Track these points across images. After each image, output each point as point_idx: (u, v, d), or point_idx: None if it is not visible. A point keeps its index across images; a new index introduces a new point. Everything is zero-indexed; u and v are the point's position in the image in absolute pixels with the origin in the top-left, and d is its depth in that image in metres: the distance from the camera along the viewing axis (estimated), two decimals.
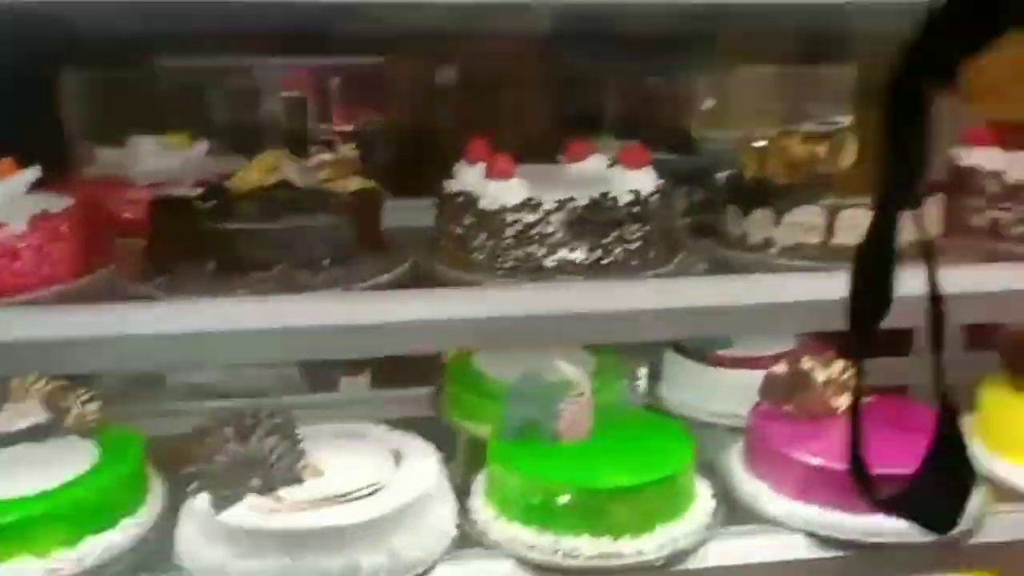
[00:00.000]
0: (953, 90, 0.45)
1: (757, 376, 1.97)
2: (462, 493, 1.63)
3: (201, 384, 2.38)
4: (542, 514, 1.50)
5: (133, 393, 2.15)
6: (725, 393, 2.01)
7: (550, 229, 1.44)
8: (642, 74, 2.71)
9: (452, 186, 1.54)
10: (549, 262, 1.45)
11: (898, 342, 2.57)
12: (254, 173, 1.48)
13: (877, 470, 1.51)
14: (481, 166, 1.56)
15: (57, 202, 1.46)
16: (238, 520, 1.37)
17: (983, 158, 1.79)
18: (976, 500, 1.61)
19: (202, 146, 1.98)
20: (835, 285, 1.46)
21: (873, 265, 0.51)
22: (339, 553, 1.38)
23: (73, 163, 1.93)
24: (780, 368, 1.81)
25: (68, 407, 1.67)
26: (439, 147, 2.29)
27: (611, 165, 1.68)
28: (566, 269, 1.45)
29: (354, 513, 1.40)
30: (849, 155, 1.72)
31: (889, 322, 0.94)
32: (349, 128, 3.08)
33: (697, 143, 2.67)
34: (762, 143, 1.77)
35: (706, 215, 1.90)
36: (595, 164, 1.68)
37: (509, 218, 1.44)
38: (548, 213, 1.44)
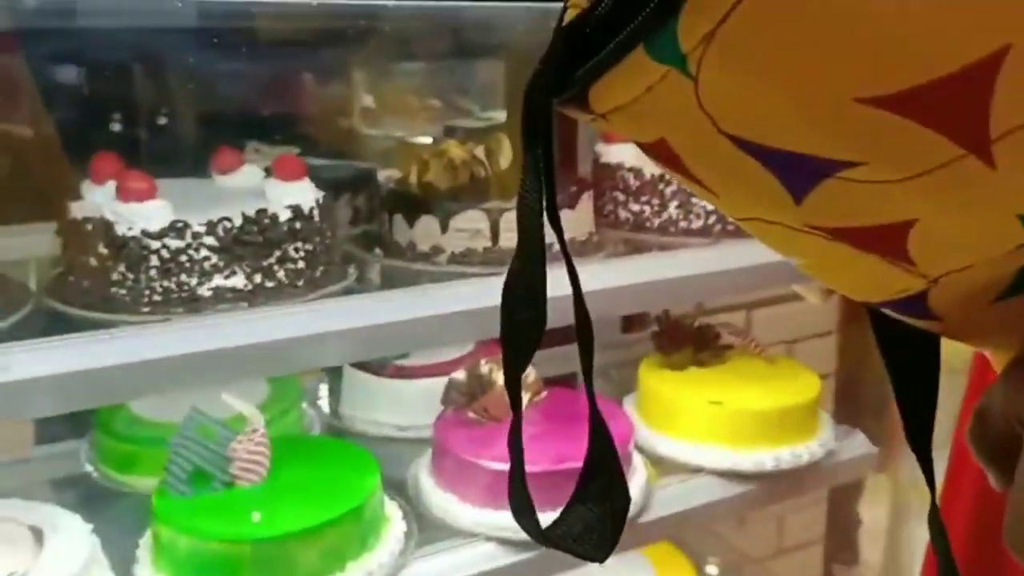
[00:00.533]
0: (581, 106, 0.41)
1: (439, 384, 1.96)
2: (126, 564, 1.42)
3: None
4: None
5: None
6: (408, 405, 1.98)
7: (202, 254, 1.28)
8: (289, 73, 2.58)
9: (78, 211, 1.32)
10: (204, 291, 1.29)
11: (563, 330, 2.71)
12: None
13: (566, 465, 1.56)
14: (112, 185, 1.35)
15: None
16: None
17: (622, 154, 1.91)
18: (641, 477, 1.72)
19: None
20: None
21: (525, 284, 0.46)
22: None
23: None
24: (460, 374, 1.80)
25: None
26: (55, 161, 1.98)
27: (268, 176, 1.55)
28: (225, 297, 1.30)
29: None
30: (506, 156, 1.74)
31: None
32: None
33: (353, 145, 2.60)
34: (422, 144, 1.74)
35: (371, 225, 1.84)
36: (249, 176, 1.54)
37: (152, 245, 1.26)
38: (197, 236, 1.27)
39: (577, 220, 1.62)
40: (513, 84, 2.59)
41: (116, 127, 1.96)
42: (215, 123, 2.08)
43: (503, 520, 1.57)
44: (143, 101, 2.15)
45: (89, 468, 1.78)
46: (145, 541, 1.49)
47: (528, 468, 1.47)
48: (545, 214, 0.48)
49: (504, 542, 1.56)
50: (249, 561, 1.34)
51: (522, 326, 0.51)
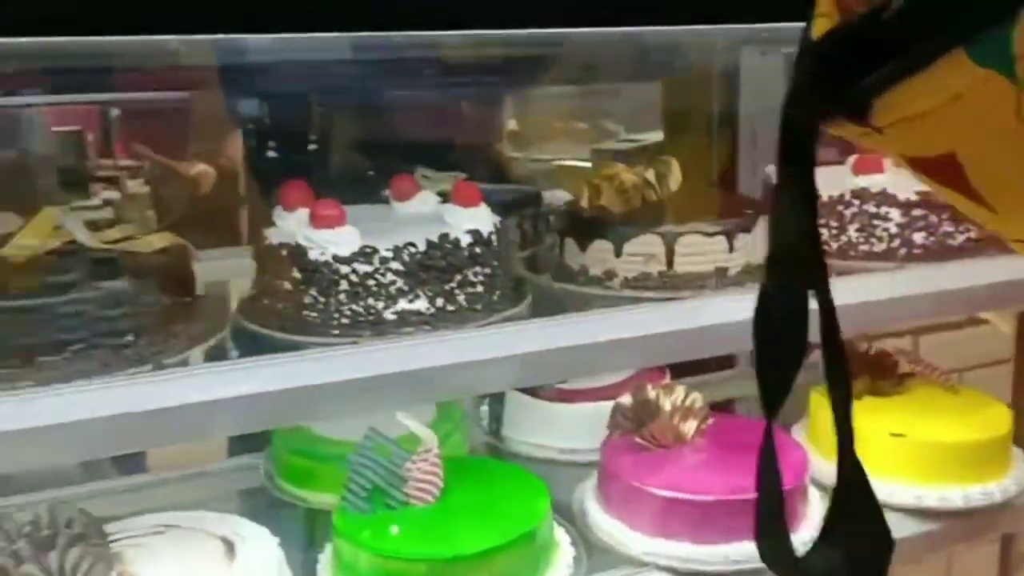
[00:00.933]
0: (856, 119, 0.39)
1: (599, 408, 1.95)
2: None
3: None
4: None
5: None
6: (569, 428, 1.97)
7: (388, 279, 1.32)
8: (450, 100, 2.64)
9: (273, 236, 1.39)
10: (389, 315, 1.33)
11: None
12: (32, 237, 1.25)
13: (739, 496, 1.51)
14: (303, 212, 1.41)
15: None
16: None
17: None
18: (817, 511, 1.64)
19: None
20: (682, 314, 1.46)
21: (785, 307, 0.44)
22: None
23: None
24: (626, 399, 1.78)
25: None
26: (247, 189, 2.10)
27: (443, 201, 1.58)
28: (409, 321, 1.33)
29: None
30: (676, 179, 1.72)
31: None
32: (135, 164, 2.79)
33: (507, 168, 2.63)
34: (580, 166, 1.74)
35: (537, 248, 1.85)
36: (425, 202, 1.58)
37: (342, 270, 1.31)
38: (384, 261, 1.31)
39: (754, 244, 1.57)
40: (671, 105, 2.56)
41: (296, 156, 2.06)
42: (384, 151, 2.15)
43: (674, 549, 1.53)
44: (318, 131, 2.25)
45: (267, 482, 1.86)
46: (326, 556, 1.54)
47: (699, 497, 1.43)
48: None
49: (675, 572, 1.52)
50: None
51: (782, 349, 0.49)
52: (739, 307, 1.37)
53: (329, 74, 2.09)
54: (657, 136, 2.80)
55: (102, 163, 2.81)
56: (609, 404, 1.92)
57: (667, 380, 1.92)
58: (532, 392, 2.00)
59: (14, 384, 1.13)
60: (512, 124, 3.03)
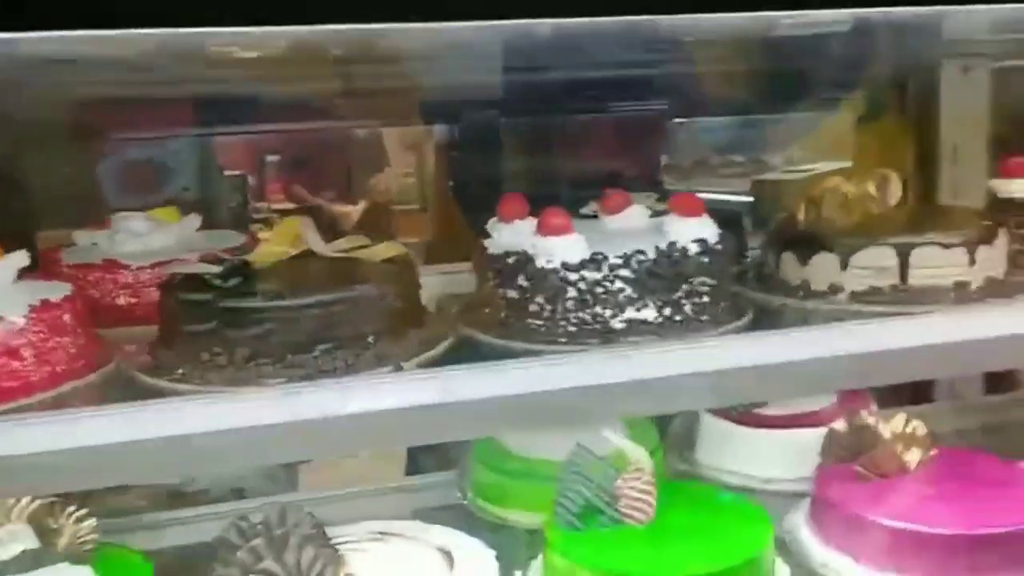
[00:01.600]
0: None
1: (800, 436, 1.85)
2: None
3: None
4: None
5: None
6: (768, 457, 1.87)
7: (616, 286, 1.30)
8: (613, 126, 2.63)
9: (498, 245, 1.39)
10: (617, 323, 1.31)
11: (920, 388, 2.50)
12: (276, 244, 1.30)
13: (982, 531, 1.39)
14: (522, 223, 1.41)
15: (51, 290, 1.26)
16: None
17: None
18: None
19: (194, 220, 1.79)
20: (920, 330, 1.36)
21: None
22: None
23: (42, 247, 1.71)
24: (840, 426, 1.68)
25: (59, 528, 1.44)
26: (442, 209, 2.14)
27: (653, 215, 1.55)
28: (636, 330, 1.30)
29: None
30: (895, 193, 1.63)
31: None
32: (286, 205, 2.94)
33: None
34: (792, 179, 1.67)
35: (743, 262, 1.78)
36: (635, 216, 1.55)
37: (571, 277, 1.30)
38: (614, 269, 1.29)
39: (995, 257, 1.46)
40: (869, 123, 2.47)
41: (489, 173, 2.09)
42: (580, 167, 2.15)
43: None
44: (507, 151, 2.29)
45: (460, 498, 1.86)
46: (535, 570, 1.51)
47: (935, 530, 1.30)
48: None
49: None
50: None
51: None
52: (982, 324, 1.28)
53: (516, 94, 2.12)
54: (817, 165, 2.72)
55: (258, 206, 2.98)
56: (810, 432, 1.83)
57: (872, 407, 1.81)
58: (728, 416, 1.92)
59: (266, 381, 1.16)
60: (665, 159, 3.00)
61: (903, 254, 1.44)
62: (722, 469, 1.89)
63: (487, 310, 1.42)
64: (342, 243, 1.42)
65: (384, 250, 1.38)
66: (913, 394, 2.32)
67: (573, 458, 1.52)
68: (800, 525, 1.64)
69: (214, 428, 1.07)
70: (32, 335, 1.15)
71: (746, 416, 1.90)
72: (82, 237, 1.74)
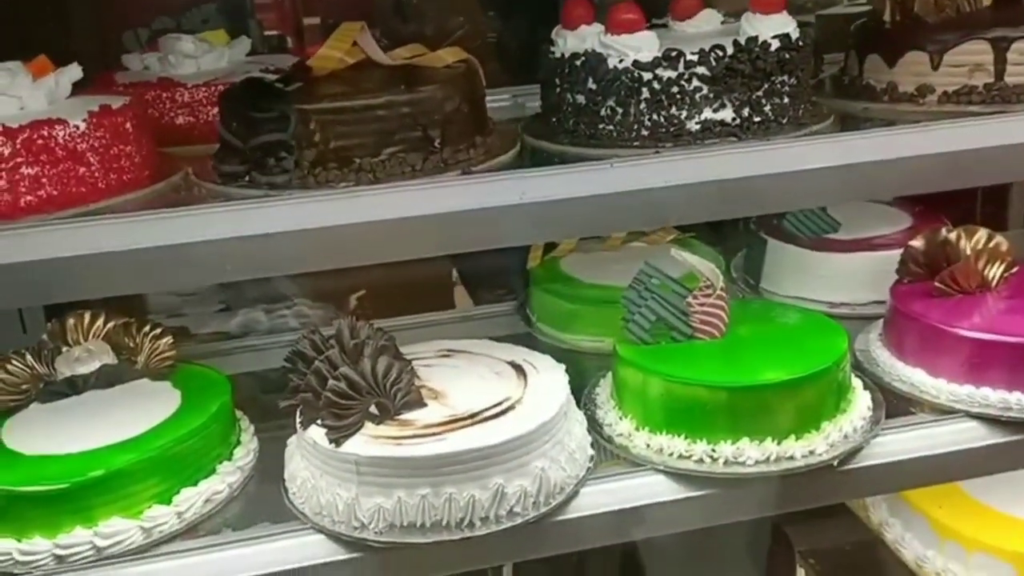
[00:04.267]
0: None
1: (873, 259, 1.79)
2: (588, 404, 1.46)
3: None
4: (693, 420, 1.32)
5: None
6: (839, 281, 1.82)
7: (692, 86, 1.22)
8: None
9: (564, 49, 1.31)
10: (692, 125, 1.24)
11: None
12: (335, 51, 1.24)
13: None
14: (594, 27, 1.33)
15: (108, 100, 1.23)
16: (365, 451, 1.18)
17: None
18: None
19: (244, 43, 1.73)
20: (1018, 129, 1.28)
21: None
22: (482, 479, 1.19)
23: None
24: (918, 243, 1.62)
25: (136, 346, 1.47)
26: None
27: (724, 22, 1.46)
28: (713, 131, 1.23)
29: (494, 434, 1.21)
30: None
31: None
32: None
33: None
34: None
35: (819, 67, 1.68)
36: (709, 20, 1.45)
37: (644, 77, 1.22)
38: (690, 66, 1.21)
39: None
40: None
41: None
42: None
43: (987, 396, 1.39)
44: None
45: (524, 325, 1.86)
46: (604, 385, 1.51)
47: (1015, 339, 1.24)
48: None
49: (989, 420, 1.39)
50: (725, 407, 1.30)
51: None
52: None
53: None
54: None
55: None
56: (882, 255, 1.77)
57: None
58: (798, 242, 1.87)
59: (333, 185, 1.13)
60: None
61: (1001, 49, 1.33)
62: (791, 296, 1.85)
63: (554, 119, 1.36)
64: (401, 51, 1.36)
65: (447, 55, 1.31)
66: (983, 223, 2.23)
67: (642, 277, 1.49)
68: (873, 342, 1.61)
69: (285, 229, 1.06)
70: (95, 140, 1.13)
71: (817, 242, 1.84)
72: (133, 60, 1.70)
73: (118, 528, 1.19)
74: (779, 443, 1.30)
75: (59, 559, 1.17)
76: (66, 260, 0.98)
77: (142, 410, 1.33)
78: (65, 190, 1.10)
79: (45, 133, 1.09)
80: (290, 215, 1.08)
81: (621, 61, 1.24)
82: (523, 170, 1.16)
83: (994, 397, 1.40)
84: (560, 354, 1.45)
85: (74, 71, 1.28)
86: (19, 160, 1.07)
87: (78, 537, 1.18)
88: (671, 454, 1.33)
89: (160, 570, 1.18)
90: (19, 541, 1.18)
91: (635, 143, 1.25)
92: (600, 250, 1.93)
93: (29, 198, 1.09)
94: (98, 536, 1.18)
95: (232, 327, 2.24)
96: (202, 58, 1.64)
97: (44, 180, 1.09)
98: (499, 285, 2.24)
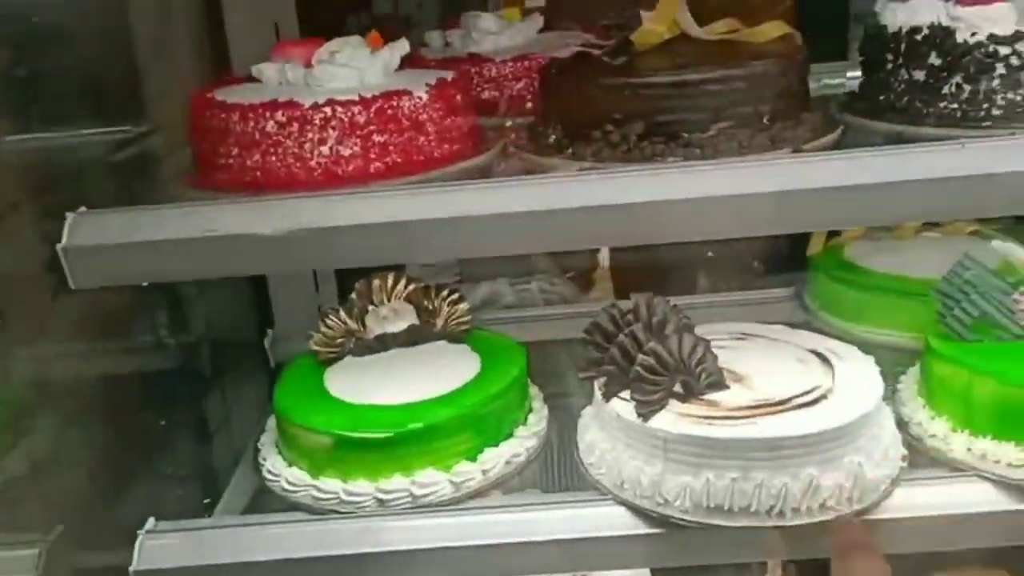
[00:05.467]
0: None
1: None
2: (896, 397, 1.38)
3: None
4: None
5: None
6: None
7: None
8: None
9: (898, 22, 1.23)
10: None
11: None
12: (656, 27, 1.23)
13: None
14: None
15: (437, 74, 1.29)
16: (674, 428, 1.17)
17: None
18: None
19: (537, 20, 1.77)
20: None
21: None
22: (794, 468, 1.15)
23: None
24: None
25: (435, 309, 1.54)
26: None
27: None
28: None
29: (809, 423, 1.16)
30: None
31: None
32: None
33: None
34: None
35: None
36: None
37: (1001, 52, 1.12)
38: None
39: None
40: None
41: None
42: None
43: None
44: None
45: (804, 314, 1.78)
46: (907, 381, 1.42)
47: None
48: None
49: None
50: None
51: None
52: None
53: None
54: None
55: None
56: None
57: None
58: None
59: (661, 159, 1.13)
60: None
61: None
62: None
63: (881, 97, 1.27)
64: (718, 26, 1.33)
65: (770, 29, 1.27)
66: None
67: (960, 271, 1.38)
68: None
69: (616, 201, 1.06)
70: (433, 111, 1.18)
71: None
72: (434, 38, 1.78)
73: (432, 479, 1.26)
74: None
75: (380, 503, 1.25)
76: (420, 223, 1.03)
77: (448, 369, 1.40)
78: (408, 158, 1.17)
79: (394, 103, 1.16)
80: (618, 188, 1.08)
81: (973, 35, 1.15)
82: (860, 149, 1.09)
83: None
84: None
85: (403, 45, 1.35)
86: (372, 128, 1.14)
87: (397, 483, 1.25)
88: (998, 461, 1.22)
89: (469, 523, 1.23)
90: (345, 482, 1.27)
91: (985, 123, 1.15)
92: (890, 238, 1.82)
93: (377, 164, 1.16)
94: (415, 485, 1.25)
95: (474, 299, 2.32)
96: (501, 34, 1.69)
97: (391, 148, 1.16)
98: (764, 271, 2.17)
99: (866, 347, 1.56)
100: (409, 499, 1.26)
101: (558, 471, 1.35)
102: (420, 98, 1.18)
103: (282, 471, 1.33)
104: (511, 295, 2.36)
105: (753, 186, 1.05)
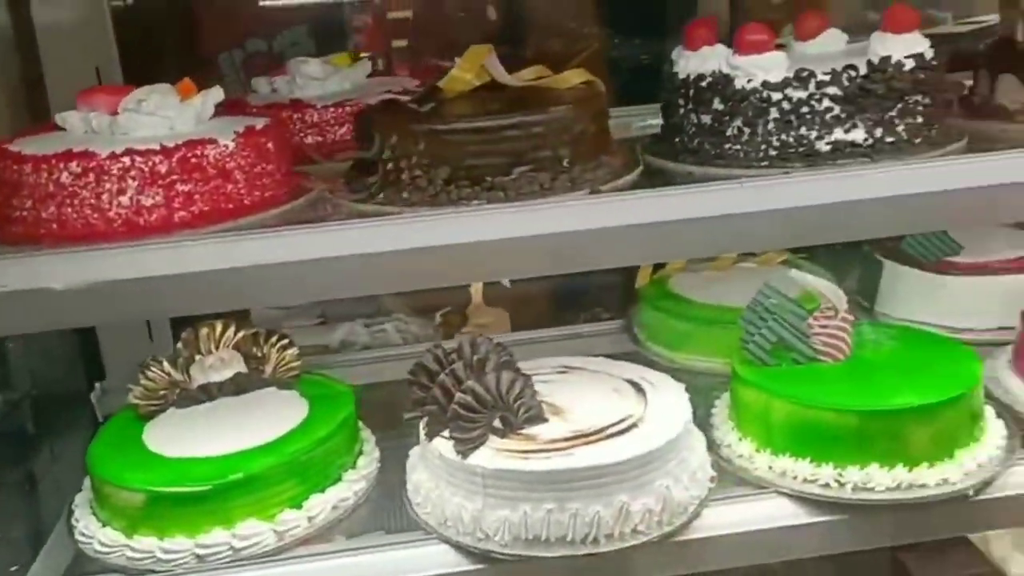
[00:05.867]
0: None
1: (998, 283, 1.73)
2: (703, 423, 1.45)
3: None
4: (819, 444, 1.30)
5: None
6: (962, 304, 1.77)
7: (824, 106, 1.21)
8: None
9: (688, 69, 1.32)
10: (823, 145, 1.23)
11: None
12: (465, 73, 1.28)
13: None
14: (718, 48, 1.33)
15: (250, 121, 1.29)
16: (492, 464, 1.20)
17: None
18: None
19: (366, 65, 1.79)
20: None
21: None
22: (607, 496, 1.19)
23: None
24: None
25: (264, 355, 1.53)
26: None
27: (850, 42, 1.44)
28: (844, 152, 1.22)
29: (620, 451, 1.21)
30: None
31: None
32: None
33: None
34: None
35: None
36: (835, 39, 1.43)
37: (773, 97, 1.22)
38: (821, 86, 1.21)
39: None
40: None
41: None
42: None
43: None
44: None
45: (631, 344, 1.86)
46: (720, 405, 1.50)
47: None
48: None
49: None
50: (855, 431, 1.27)
51: None
52: None
53: None
54: (989, 17, 2.45)
55: None
56: (1009, 279, 1.72)
57: None
58: (919, 265, 1.82)
59: (465, 203, 1.16)
60: None
61: None
62: (909, 319, 1.80)
63: (677, 139, 1.36)
64: (526, 73, 1.39)
65: (573, 76, 1.33)
66: None
67: (761, 299, 1.48)
68: (1002, 369, 1.56)
69: (425, 244, 1.09)
70: (241, 159, 1.18)
71: (939, 264, 1.80)
72: (261, 84, 1.78)
73: (254, 530, 1.24)
74: (911, 470, 1.27)
75: (199, 558, 1.22)
76: (221, 273, 1.03)
77: (273, 417, 1.38)
78: (215, 206, 1.16)
79: (198, 152, 1.15)
80: (423, 231, 1.11)
81: (749, 81, 1.24)
82: (651, 190, 1.17)
83: None
84: (670, 373, 1.45)
85: (217, 93, 1.35)
86: (174, 177, 1.13)
87: (216, 537, 1.22)
88: (795, 477, 1.31)
89: (293, 572, 1.22)
90: (161, 539, 1.23)
91: (763, 163, 1.24)
92: (709, 269, 1.93)
93: (182, 213, 1.15)
94: (235, 537, 1.23)
95: (332, 341, 2.31)
96: (328, 80, 1.70)
97: (196, 196, 1.15)
98: (598, 304, 2.25)
99: (688, 374, 1.65)
100: (230, 552, 1.23)
101: (388, 513, 1.35)
102: (226, 146, 1.17)
103: (95, 531, 1.28)
104: (366, 336, 2.37)
105: (551, 226, 1.10)
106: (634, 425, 1.28)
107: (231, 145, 1.18)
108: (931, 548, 1.72)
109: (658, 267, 1.92)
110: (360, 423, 1.50)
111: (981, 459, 1.30)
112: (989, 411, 1.41)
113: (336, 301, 2.29)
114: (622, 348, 1.85)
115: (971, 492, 1.25)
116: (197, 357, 1.52)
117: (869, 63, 1.23)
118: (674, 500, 1.24)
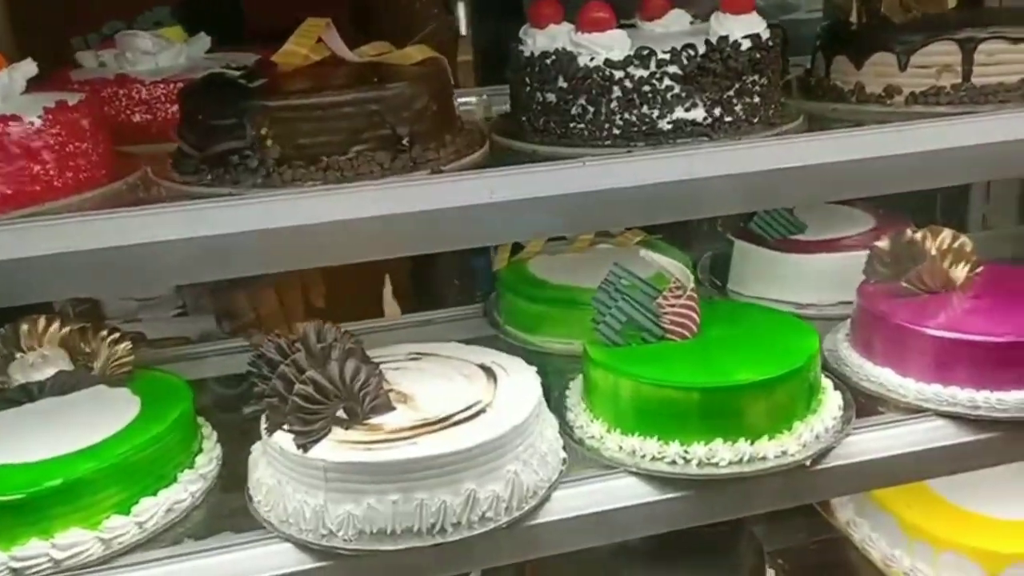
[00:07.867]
0: None
1: (839, 260, 1.80)
2: (557, 407, 1.44)
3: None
4: (665, 422, 1.31)
5: None
6: (805, 280, 1.84)
7: (664, 84, 1.21)
8: None
9: (533, 48, 1.30)
10: (664, 124, 1.23)
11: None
12: (300, 48, 1.22)
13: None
14: (563, 26, 1.32)
15: (64, 97, 1.19)
16: (334, 457, 1.15)
17: None
18: None
19: (204, 41, 1.69)
20: (985, 129, 1.29)
21: None
22: (454, 484, 1.17)
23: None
24: (883, 244, 1.63)
25: (93, 351, 1.42)
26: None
27: (693, 22, 1.46)
28: (684, 131, 1.23)
29: (465, 438, 1.19)
30: None
31: None
32: None
33: None
34: None
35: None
36: (678, 19, 1.45)
37: (616, 75, 1.21)
38: (662, 65, 1.21)
39: None
40: None
41: None
42: None
43: (956, 394, 1.40)
44: None
45: (491, 328, 1.84)
46: (574, 387, 1.50)
47: (987, 339, 1.26)
48: None
49: (955, 418, 1.40)
50: (698, 408, 1.29)
51: None
52: None
53: None
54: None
55: None
56: (849, 255, 1.79)
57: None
58: (765, 244, 1.88)
59: (299, 184, 1.11)
60: None
61: (968, 50, 1.34)
62: (758, 297, 1.85)
63: (524, 118, 1.34)
64: (367, 49, 1.33)
65: (415, 53, 1.29)
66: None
67: (612, 279, 1.48)
68: (841, 342, 1.62)
69: (247, 228, 1.03)
70: (50, 137, 1.09)
71: (784, 243, 1.85)
72: (87, 58, 1.65)
73: (76, 539, 1.15)
74: (752, 443, 1.30)
75: (15, 572, 1.12)
76: (19, 262, 0.94)
77: (100, 417, 1.29)
78: (20, 189, 1.06)
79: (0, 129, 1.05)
80: (254, 214, 1.05)
81: (592, 59, 1.23)
82: (493, 169, 1.14)
83: (962, 396, 1.40)
84: (529, 356, 1.43)
85: (28, 67, 1.24)
86: None
87: (34, 549, 1.13)
88: (644, 456, 1.31)
89: None
90: None
91: (606, 142, 1.24)
92: (567, 252, 1.93)
93: None
94: (55, 548, 1.14)
95: (191, 332, 2.20)
96: (160, 55, 1.60)
97: None
98: (460, 288, 2.22)
99: (545, 357, 1.65)
100: (50, 564, 1.14)
101: (229, 514, 1.28)
102: (31, 123, 1.07)
103: None
104: (227, 325, 2.26)
105: (389, 207, 1.06)
106: (482, 411, 1.26)
107: (38, 122, 1.08)
108: (778, 517, 1.77)
109: (516, 250, 1.90)
110: (201, 419, 1.42)
111: (818, 430, 1.35)
112: (827, 383, 1.46)
113: (197, 291, 2.18)
114: (482, 332, 1.83)
115: (807, 462, 1.28)
116: (18, 355, 1.40)
117: (707, 42, 1.24)
118: (523, 485, 1.22)
